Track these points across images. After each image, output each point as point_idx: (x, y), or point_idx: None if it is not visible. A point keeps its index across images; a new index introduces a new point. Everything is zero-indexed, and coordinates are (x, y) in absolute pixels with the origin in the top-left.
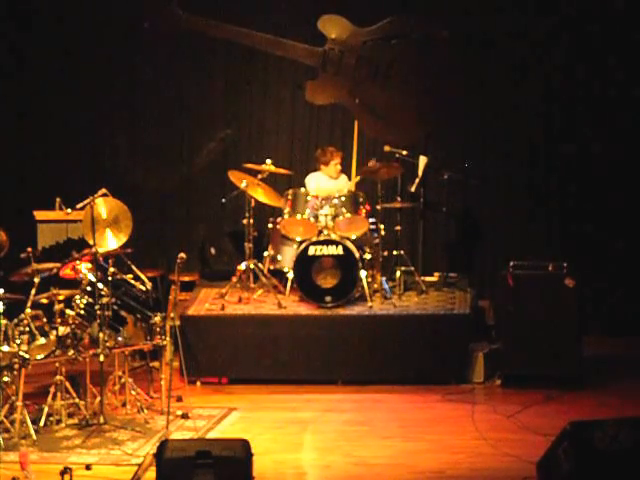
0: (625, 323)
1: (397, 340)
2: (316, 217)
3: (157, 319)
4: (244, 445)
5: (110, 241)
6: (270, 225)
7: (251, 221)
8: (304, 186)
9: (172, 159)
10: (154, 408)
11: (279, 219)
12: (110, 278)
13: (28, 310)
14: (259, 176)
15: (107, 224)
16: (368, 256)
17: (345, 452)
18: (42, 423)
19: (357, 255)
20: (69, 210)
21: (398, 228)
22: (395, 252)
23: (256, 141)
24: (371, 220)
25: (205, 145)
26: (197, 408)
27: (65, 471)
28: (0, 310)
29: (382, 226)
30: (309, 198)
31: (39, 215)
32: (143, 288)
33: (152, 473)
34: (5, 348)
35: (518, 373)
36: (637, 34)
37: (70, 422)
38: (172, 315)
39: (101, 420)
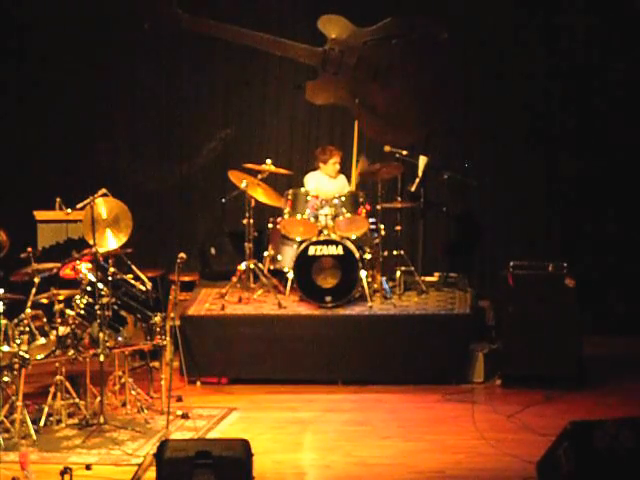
0: (625, 323)
1: (397, 340)
2: (316, 217)
3: (157, 319)
4: (244, 445)
5: (110, 241)
6: (270, 225)
7: (251, 221)
8: (304, 186)
9: (172, 159)
10: (154, 408)
11: (279, 219)
12: (110, 278)
13: (28, 310)
14: (259, 176)
15: (107, 224)
16: (368, 256)
17: (345, 452)
18: (42, 423)
19: (357, 255)
20: (69, 210)
21: (398, 228)
22: (395, 252)
23: (256, 141)
24: (371, 220)
25: (205, 145)
26: (197, 408)
27: (65, 471)
28: (0, 310)
29: (382, 226)
30: (309, 198)
31: (39, 215)
32: (143, 288)
33: (152, 473)
34: (5, 348)
35: (518, 373)
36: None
37: (70, 422)
38: (172, 315)
39: (101, 420)
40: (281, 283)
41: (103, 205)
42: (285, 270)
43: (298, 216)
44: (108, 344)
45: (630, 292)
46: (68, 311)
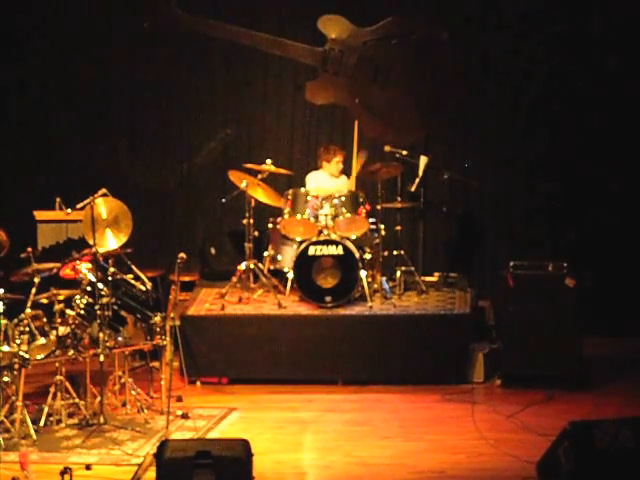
0: (625, 323)
1: (397, 340)
2: (316, 217)
3: (157, 319)
4: (244, 445)
5: (110, 241)
6: (270, 225)
7: (251, 221)
8: (304, 186)
9: (172, 159)
10: (154, 408)
11: (279, 219)
12: (110, 278)
13: (28, 310)
14: (259, 176)
15: (107, 224)
16: (368, 256)
17: (345, 452)
18: (42, 423)
19: (357, 255)
20: (69, 210)
21: (398, 228)
22: (395, 252)
23: (256, 141)
24: (371, 220)
25: (205, 145)
26: (197, 408)
27: (65, 471)
28: (0, 310)
29: (382, 226)
30: (309, 198)
31: (39, 215)
32: (143, 288)
33: (152, 473)
34: (5, 348)
35: (518, 373)
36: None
37: (70, 422)
38: (172, 315)
39: (101, 420)
40: (281, 283)
41: (103, 205)
42: (285, 270)
43: (298, 216)
44: (108, 344)
45: (630, 292)
46: (68, 311)
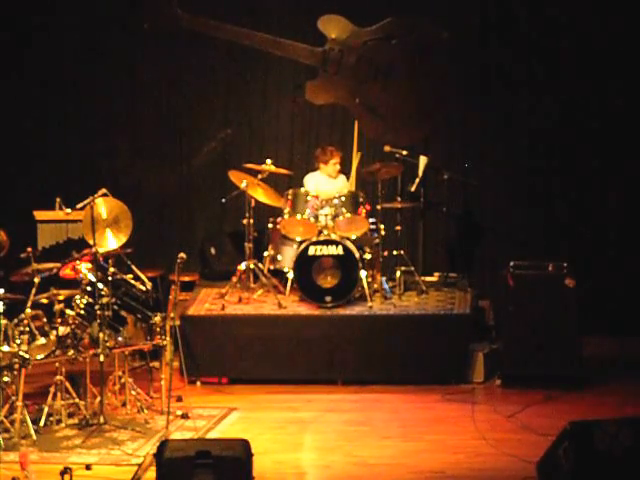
0: (625, 323)
1: (397, 340)
2: (316, 217)
3: (157, 319)
4: (244, 445)
5: (110, 241)
6: (270, 225)
7: (251, 221)
8: (304, 186)
9: (172, 159)
10: (154, 408)
11: (279, 219)
12: (110, 278)
13: (28, 310)
14: (259, 176)
15: (107, 224)
16: (368, 256)
17: (345, 452)
18: (42, 423)
19: (357, 255)
20: (69, 210)
21: (398, 228)
22: (395, 252)
23: (256, 141)
24: (371, 220)
25: (205, 145)
26: (197, 408)
27: (65, 471)
28: (0, 310)
29: (382, 226)
30: (309, 198)
31: (39, 215)
32: (143, 288)
33: (152, 473)
34: (5, 348)
35: (518, 373)
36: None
37: (70, 422)
38: (172, 315)
39: (101, 420)
40: (281, 283)
41: (103, 205)
42: (285, 270)
43: (298, 216)
44: (108, 344)
45: (630, 292)
46: (68, 311)
